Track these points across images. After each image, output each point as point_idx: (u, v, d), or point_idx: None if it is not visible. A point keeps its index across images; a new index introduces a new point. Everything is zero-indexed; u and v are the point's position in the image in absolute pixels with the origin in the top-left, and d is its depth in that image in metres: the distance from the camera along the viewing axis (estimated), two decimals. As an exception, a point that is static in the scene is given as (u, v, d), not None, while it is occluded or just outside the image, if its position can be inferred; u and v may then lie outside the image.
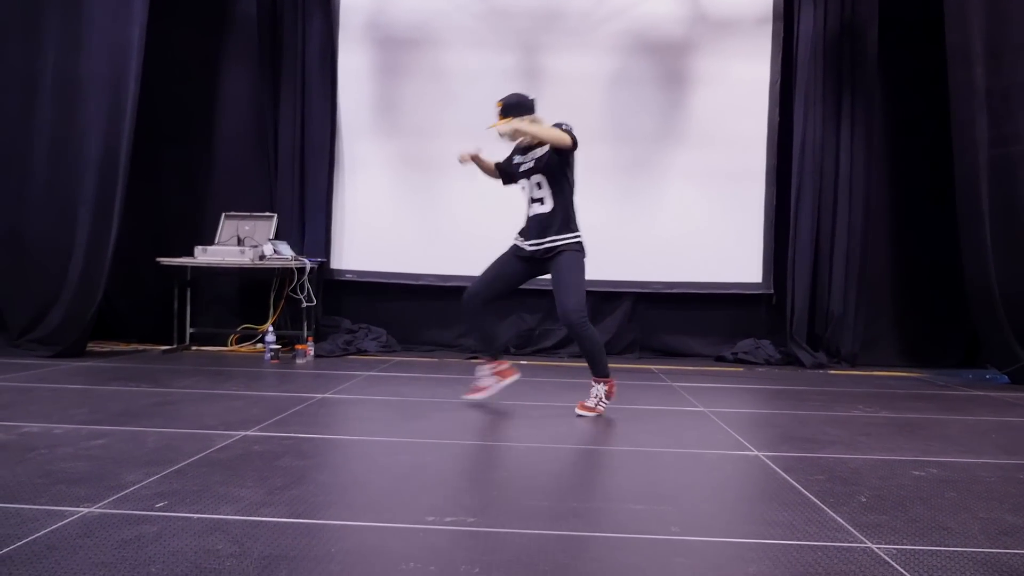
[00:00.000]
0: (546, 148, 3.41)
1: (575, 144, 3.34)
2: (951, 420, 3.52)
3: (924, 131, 5.67)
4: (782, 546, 1.77)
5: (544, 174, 3.42)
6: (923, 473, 2.48)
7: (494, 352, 3.66)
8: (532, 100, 3.45)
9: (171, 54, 5.85)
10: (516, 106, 3.40)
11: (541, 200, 3.44)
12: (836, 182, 5.65)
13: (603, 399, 3.44)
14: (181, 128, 5.97)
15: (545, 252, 3.43)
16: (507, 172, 3.66)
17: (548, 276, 3.49)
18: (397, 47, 5.99)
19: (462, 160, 3.56)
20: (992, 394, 4.44)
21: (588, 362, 3.47)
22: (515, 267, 3.56)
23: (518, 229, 3.59)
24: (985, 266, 4.86)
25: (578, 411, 3.41)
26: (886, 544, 1.79)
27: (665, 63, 5.84)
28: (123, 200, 5.03)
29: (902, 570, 1.63)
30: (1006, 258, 4.83)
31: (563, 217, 3.43)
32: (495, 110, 3.43)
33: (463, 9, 5.95)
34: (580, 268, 3.43)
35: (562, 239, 3.41)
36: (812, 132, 5.63)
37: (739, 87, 5.82)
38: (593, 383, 3.46)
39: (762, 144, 5.84)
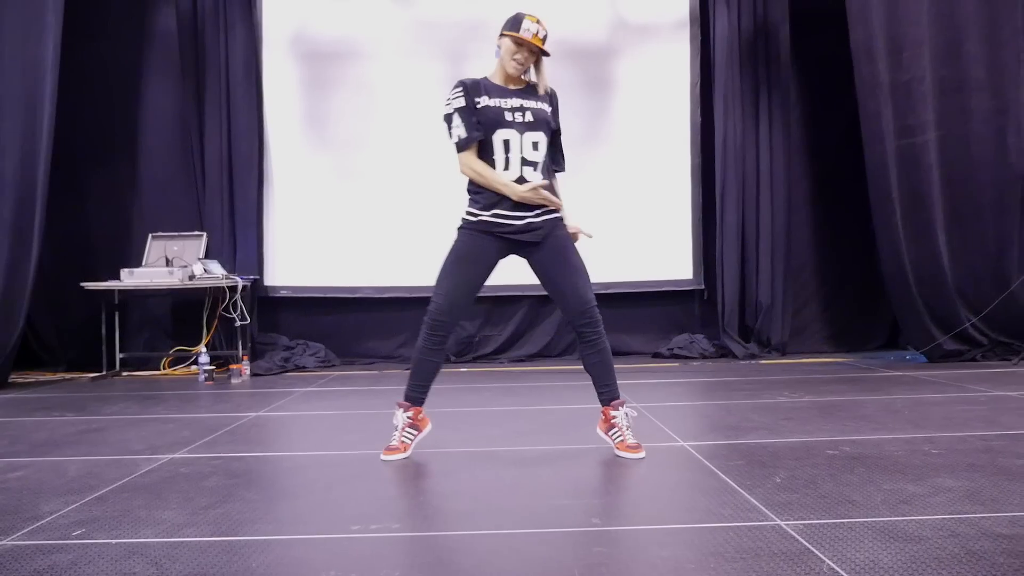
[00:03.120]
0: (544, 101, 2.68)
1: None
2: (868, 400, 3.69)
3: (837, 125, 5.91)
4: (696, 529, 1.84)
5: (545, 133, 2.65)
6: (836, 452, 2.60)
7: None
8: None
9: (89, 71, 5.71)
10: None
11: (535, 165, 2.64)
12: (758, 177, 5.85)
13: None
14: (103, 147, 5.83)
15: (539, 226, 2.65)
16: (483, 111, 2.62)
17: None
18: (323, 60, 5.97)
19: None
20: (910, 373, 4.65)
21: (608, 375, 2.69)
22: (489, 258, 2.68)
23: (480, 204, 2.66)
24: (898, 251, 5.09)
25: (625, 455, 2.60)
26: (794, 520, 1.88)
27: (588, 69, 5.95)
28: (43, 223, 4.89)
29: (805, 543, 1.71)
30: (917, 242, 5.08)
31: (554, 192, 2.74)
32: (528, 28, 2.57)
33: (388, 21, 5.96)
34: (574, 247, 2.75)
35: (556, 214, 2.71)
36: (732, 130, 5.81)
37: (661, 90, 5.98)
38: (615, 407, 2.68)
39: (686, 144, 6.01)
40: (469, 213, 2.69)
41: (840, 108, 5.80)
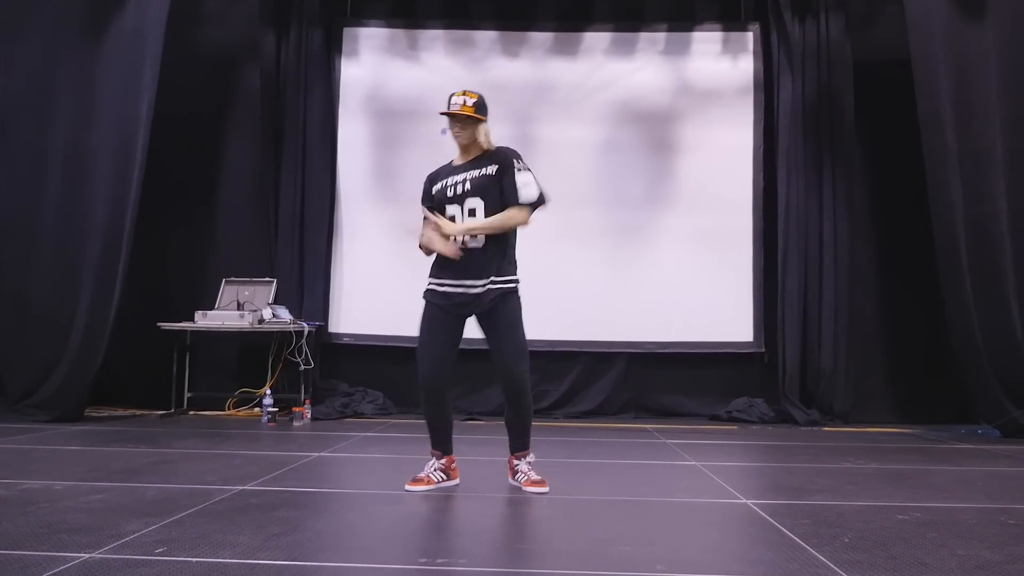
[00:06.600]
0: (489, 164, 2.86)
1: (540, 204, 2.86)
2: (938, 470, 3.57)
3: (903, 192, 5.86)
4: (764, 582, 1.82)
5: (483, 198, 2.80)
6: (907, 517, 2.53)
7: (448, 445, 3.00)
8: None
9: (177, 125, 6.06)
10: (483, 107, 2.97)
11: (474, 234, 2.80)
12: (821, 242, 5.82)
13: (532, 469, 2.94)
14: (184, 196, 6.15)
15: (476, 298, 2.83)
16: (435, 198, 2.96)
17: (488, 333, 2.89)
18: (395, 119, 6.23)
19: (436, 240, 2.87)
20: (983, 447, 4.48)
21: (520, 431, 2.93)
22: (450, 326, 2.92)
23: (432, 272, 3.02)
24: (969, 321, 4.97)
25: (531, 489, 2.86)
26: (865, 579, 1.84)
27: (652, 131, 6.07)
28: (126, 266, 5.15)
29: (879, 601, 1.68)
30: (988, 313, 4.94)
31: (501, 255, 2.84)
32: (454, 102, 2.93)
33: (457, 83, 6.16)
34: (521, 317, 2.85)
35: (501, 281, 2.84)
36: (795, 195, 5.83)
37: (724, 153, 6.04)
38: (518, 458, 2.95)
39: (748, 207, 6.03)
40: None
41: (905, 176, 5.76)
